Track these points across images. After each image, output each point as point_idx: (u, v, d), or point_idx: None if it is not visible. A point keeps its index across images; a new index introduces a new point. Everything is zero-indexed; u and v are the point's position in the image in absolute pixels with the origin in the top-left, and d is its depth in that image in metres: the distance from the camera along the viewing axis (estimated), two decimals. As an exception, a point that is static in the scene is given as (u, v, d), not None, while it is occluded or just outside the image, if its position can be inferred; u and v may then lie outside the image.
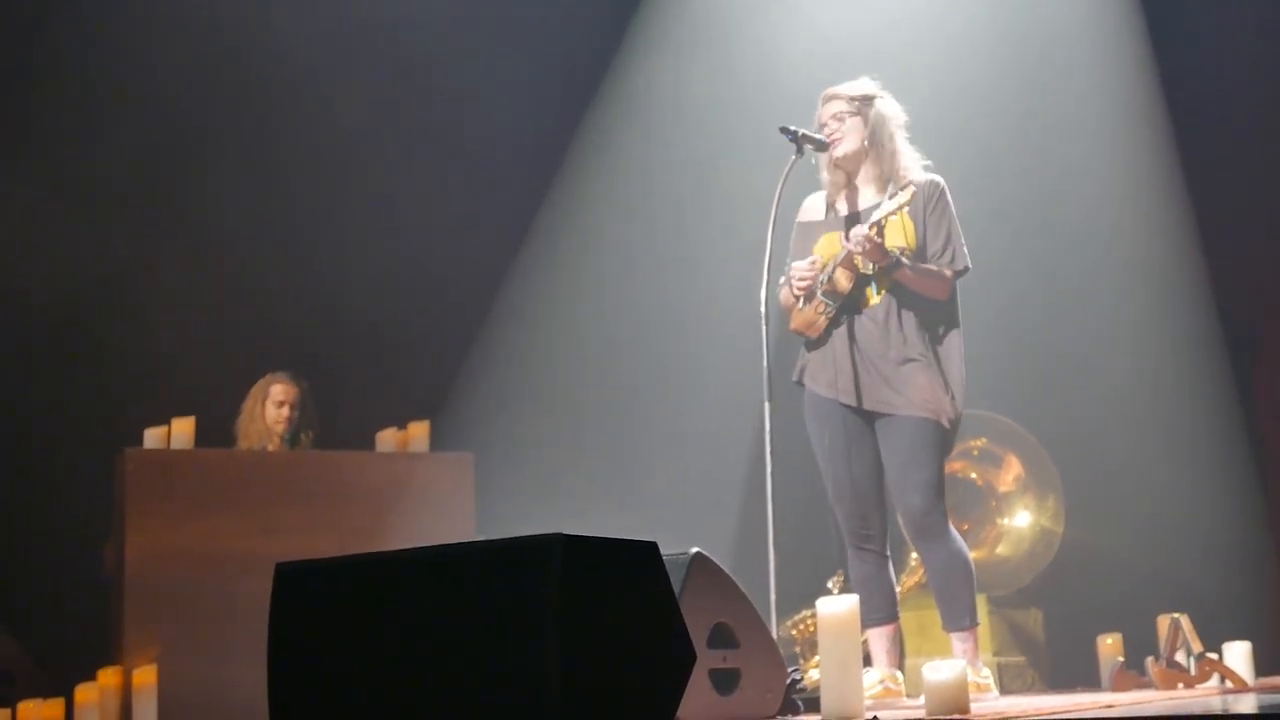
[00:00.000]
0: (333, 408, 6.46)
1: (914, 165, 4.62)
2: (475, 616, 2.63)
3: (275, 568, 2.93)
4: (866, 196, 4.64)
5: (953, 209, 4.59)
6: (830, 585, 5.70)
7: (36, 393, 6.73)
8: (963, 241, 4.56)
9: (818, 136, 4.62)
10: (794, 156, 4.56)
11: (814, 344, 4.63)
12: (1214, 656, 4.82)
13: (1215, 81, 6.58)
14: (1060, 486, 6.46)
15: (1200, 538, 6.30)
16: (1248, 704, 3.66)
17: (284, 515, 5.61)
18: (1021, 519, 6.56)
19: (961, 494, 6.58)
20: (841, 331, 4.55)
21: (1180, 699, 4.22)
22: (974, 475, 6.65)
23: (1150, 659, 4.91)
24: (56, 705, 5.23)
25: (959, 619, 4.53)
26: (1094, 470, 6.54)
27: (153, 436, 5.71)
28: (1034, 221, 6.74)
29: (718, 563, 3.49)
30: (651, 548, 2.79)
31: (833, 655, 3.40)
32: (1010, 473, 6.59)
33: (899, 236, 4.51)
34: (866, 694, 3.94)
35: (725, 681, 3.45)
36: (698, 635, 3.22)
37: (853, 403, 4.53)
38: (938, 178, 4.62)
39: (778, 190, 4.49)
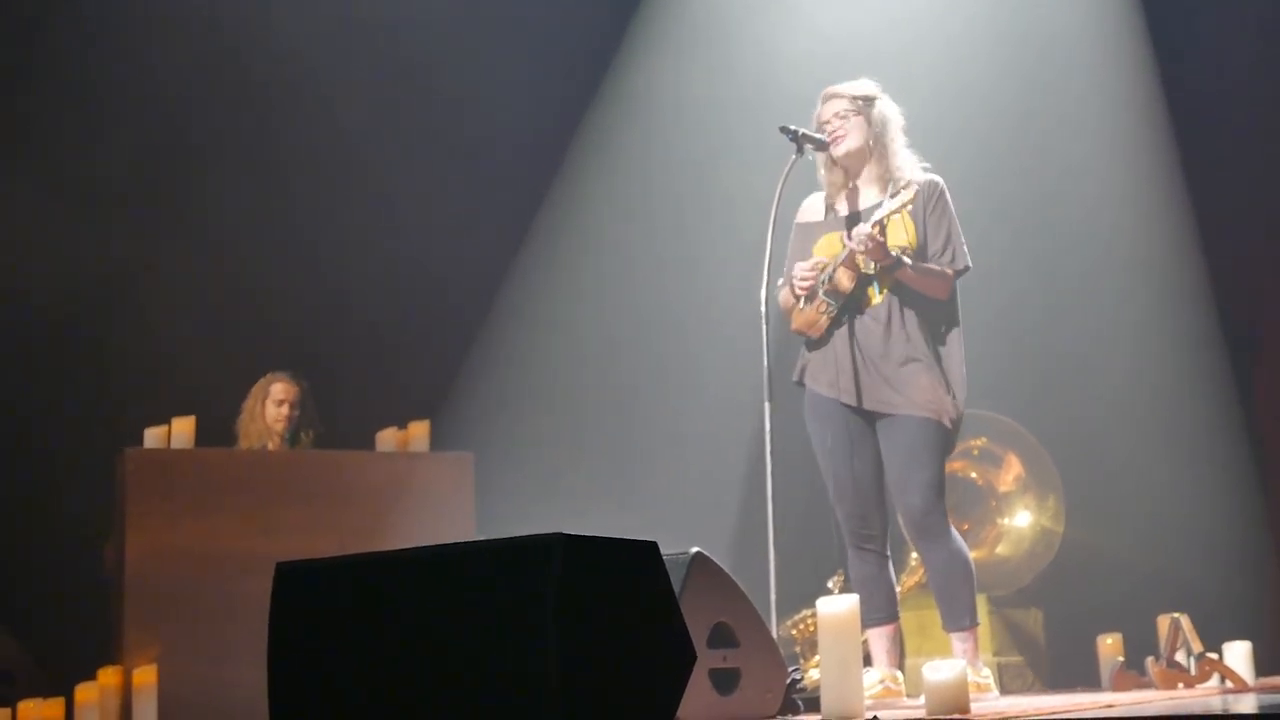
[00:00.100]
0: (333, 407, 6.46)
1: (913, 166, 4.63)
2: (475, 616, 2.63)
3: (275, 567, 2.93)
4: (867, 196, 4.64)
5: (952, 209, 4.59)
6: (830, 585, 5.70)
7: (36, 393, 6.73)
8: (963, 241, 4.56)
9: (818, 136, 4.62)
10: (794, 156, 4.56)
11: (815, 344, 4.62)
12: (1214, 656, 4.82)
13: (1215, 81, 6.58)
14: (1060, 486, 6.46)
15: (1200, 538, 6.30)
16: (1248, 704, 3.66)
17: (284, 515, 5.61)
18: (1022, 519, 6.56)
19: (962, 494, 6.58)
20: (843, 331, 4.54)
21: (1180, 699, 4.22)
22: (974, 475, 6.65)
23: (1150, 659, 4.91)
24: (56, 705, 5.23)
25: (959, 619, 4.52)
26: (1094, 470, 6.55)
27: (153, 436, 5.71)
28: (1034, 221, 6.74)
29: (718, 563, 3.49)
30: (651, 547, 2.79)
31: (833, 655, 3.39)
32: (1011, 472, 6.59)
33: (900, 236, 4.51)
34: (866, 694, 3.94)
35: (725, 681, 3.45)
36: (698, 635, 3.22)
37: (853, 403, 4.53)
38: (937, 178, 4.62)
39: (778, 190, 4.48)
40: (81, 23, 6.81)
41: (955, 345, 4.56)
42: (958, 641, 4.53)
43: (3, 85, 6.73)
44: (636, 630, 2.70)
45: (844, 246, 4.50)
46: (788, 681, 3.65)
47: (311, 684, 2.83)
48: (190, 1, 6.85)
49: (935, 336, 4.54)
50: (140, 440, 5.68)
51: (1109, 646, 5.33)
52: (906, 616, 5.63)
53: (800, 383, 4.68)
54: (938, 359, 4.52)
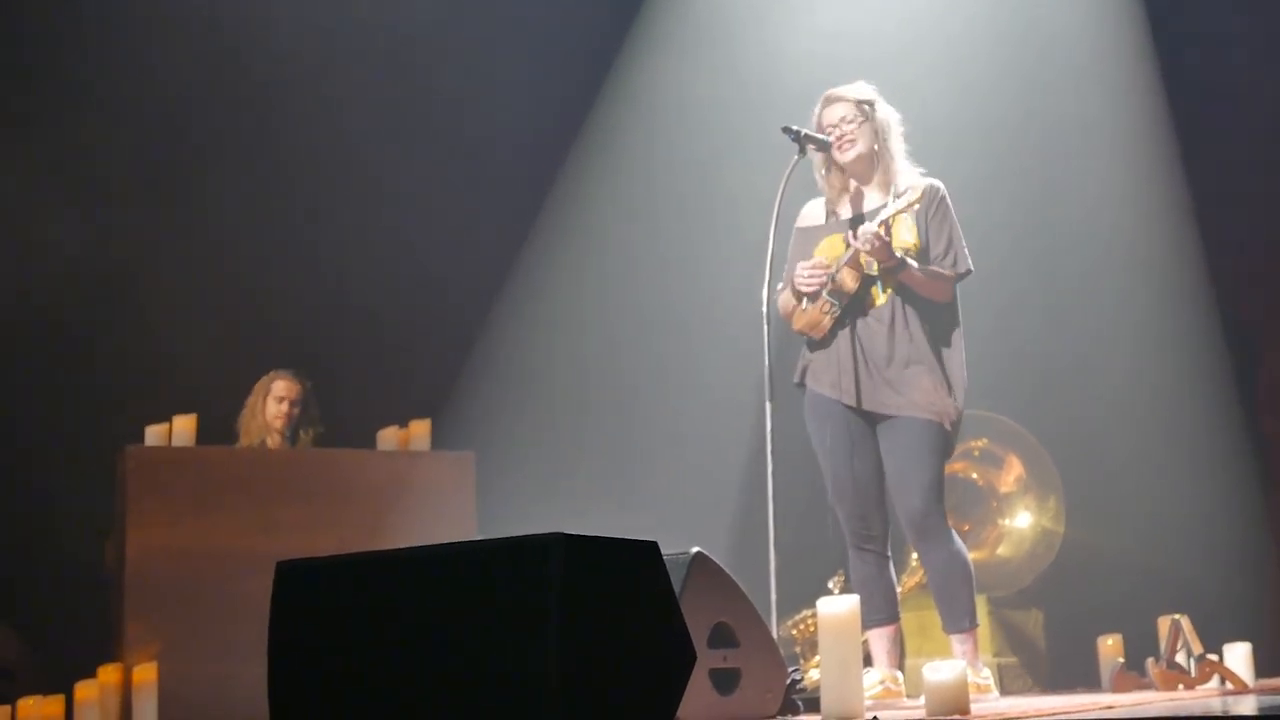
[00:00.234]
0: (334, 406, 6.46)
1: (911, 170, 4.63)
2: (475, 616, 2.63)
3: (275, 566, 2.93)
4: (871, 199, 4.64)
5: (953, 213, 4.59)
6: (830, 585, 5.70)
7: (37, 391, 6.73)
8: (964, 245, 4.56)
9: (820, 136, 4.62)
10: (796, 156, 4.56)
11: (817, 344, 4.62)
12: (1214, 658, 4.82)
13: (1216, 81, 6.58)
14: (1061, 487, 6.46)
15: (1200, 538, 6.30)
16: (1248, 706, 3.66)
17: (284, 513, 5.61)
18: (1022, 519, 6.56)
19: (962, 494, 6.57)
20: (845, 332, 4.55)
21: (1180, 700, 4.22)
22: (975, 476, 6.65)
23: (1150, 660, 4.90)
24: (57, 702, 5.22)
25: (959, 620, 4.53)
26: (1094, 470, 6.54)
27: (154, 434, 5.71)
28: (1034, 222, 6.74)
29: (718, 563, 3.49)
30: (652, 547, 2.79)
31: (833, 655, 3.40)
32: (1011, 473, 6.59)
33: (905, 237, 4.52)
34: (866, 694, 3.94)
35: (725, 681, 3.45)
36: (698, 635, 3.22)
37: (854, 403, 4.53)
38: (937, 182, 4.62)
39: (780, 190, 4.49)
40: (81, 23, 6.81)
41: (956, 346, 4.57)
42: (957, 643, 4.53)
43: (3, 85, 6.73)
44: (637, 630, 2.70)
45: (847, 248, 4.50)
46: (788, 682, 3.65)
47: (311, 682, 2.83)
48: (190, 1, 6.85)
49: (937, 338, 4.54)
50: (141, 438, 5.68)
51: (1109, 647, 5.32)
52: (907, 617, 5.63)
53: (801, 384, 4.68)
54: (939, 361, 4.52)
